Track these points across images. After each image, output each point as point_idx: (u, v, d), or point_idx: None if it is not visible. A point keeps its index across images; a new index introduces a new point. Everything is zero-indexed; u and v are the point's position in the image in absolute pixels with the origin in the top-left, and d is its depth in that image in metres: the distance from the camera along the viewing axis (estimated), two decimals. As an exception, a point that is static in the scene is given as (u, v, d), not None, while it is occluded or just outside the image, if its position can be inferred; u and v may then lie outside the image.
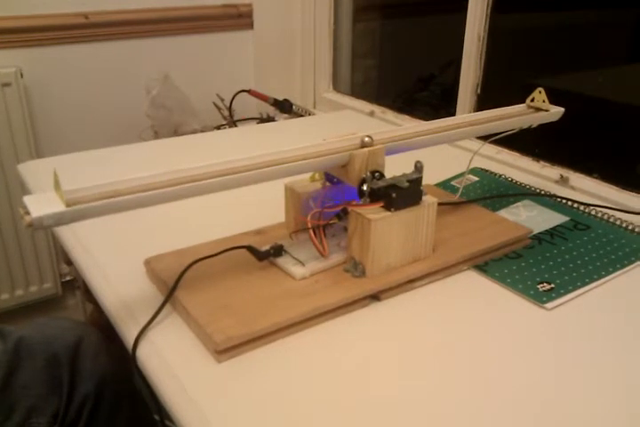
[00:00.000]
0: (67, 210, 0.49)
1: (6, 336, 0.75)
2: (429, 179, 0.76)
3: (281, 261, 0.63)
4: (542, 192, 0.87)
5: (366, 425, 0.46)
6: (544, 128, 0.79)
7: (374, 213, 0.60)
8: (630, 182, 0.91)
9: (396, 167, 0.64)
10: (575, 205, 0.82)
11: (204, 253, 0.63)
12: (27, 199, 0.49)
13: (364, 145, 0.62)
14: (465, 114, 0.77)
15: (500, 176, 0.92)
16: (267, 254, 0.63)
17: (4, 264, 1.47)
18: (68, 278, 1.60)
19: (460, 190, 0.84)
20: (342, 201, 0.65)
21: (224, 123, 1.47)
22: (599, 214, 0.80)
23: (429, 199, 0.63)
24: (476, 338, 0.57)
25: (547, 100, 0.77)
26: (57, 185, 0.49)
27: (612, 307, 0.62)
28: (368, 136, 0.62)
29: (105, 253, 0.71)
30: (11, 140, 1.36)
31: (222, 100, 1.48)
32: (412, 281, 0.64)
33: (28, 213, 0.48)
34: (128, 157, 1.03)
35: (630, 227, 0.76)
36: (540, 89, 0.77)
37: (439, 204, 0.64)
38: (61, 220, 0.49)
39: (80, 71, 1.44)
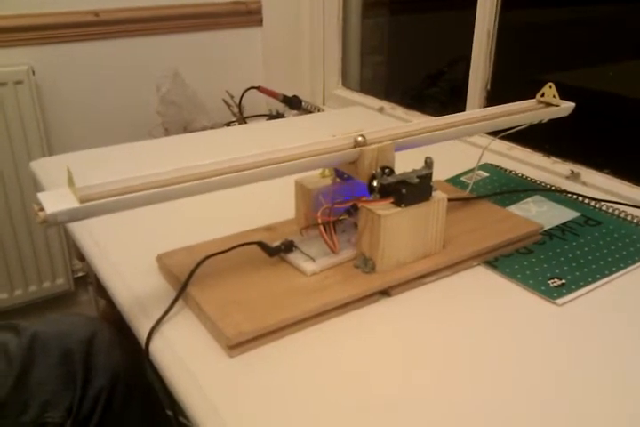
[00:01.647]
0: (80, 206, 0.49)
1: (21, 332, 0.75)
2: (439, 175, 0.76)
3: (291, 256, 0.63)
4: (553, 188, 0.86)
5: (377, 421, 0.47)
6: (555, 124, 0.79)
7: (384, 209, 0.60)
8: (642, 178, 0.91)
9: (405, 163, 0.64)
10: (586, 201, 0.82)
11: (215, 249, 0.64)
12: (41, 196, 0.50)
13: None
14: (474, 109, 0.77)
15: (511, 172, 0.92)
16: (277, 250, 0.63)
17: (17, 260, 1.48)
18: (80, 274, 1.61)
19: (470, 186, 0.84)
20: (352, 197, 0.65)
21: (234, 119, 1.48)
22: (610, 210, 0.79)
23: (439, 195, 0.63)
24: (486, 334, 0.57)
25: (557, 95, 0.77)
26: (70, 181, 0.50)
27: (623, 303, 0.62)
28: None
29: (117, 249, 0.72)
30: (23, 138, 1.38)
31: (232, 96, 1.49)
32: (421, 277, 0.64)
33: (42, 209, 0.48)
34: (139, 153, 1.03)
35: (642, 222, 0.76)
36: (551, 84, 0.77)
37: (449, 199, 0.64)
38: (75, 216, 0.50)
39: (91, 69, 1.45)
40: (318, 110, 1.42)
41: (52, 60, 1.40)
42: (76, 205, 0.49)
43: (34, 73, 1.36)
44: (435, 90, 1.54)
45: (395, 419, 0.47)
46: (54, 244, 1.52)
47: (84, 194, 0.50)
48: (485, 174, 0.92)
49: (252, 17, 1.62)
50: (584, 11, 1.21)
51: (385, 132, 0.65)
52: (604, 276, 0.66)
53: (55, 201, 0.49)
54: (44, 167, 0.97)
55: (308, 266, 0.61)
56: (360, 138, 0.62)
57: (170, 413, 0.55)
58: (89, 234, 0.75)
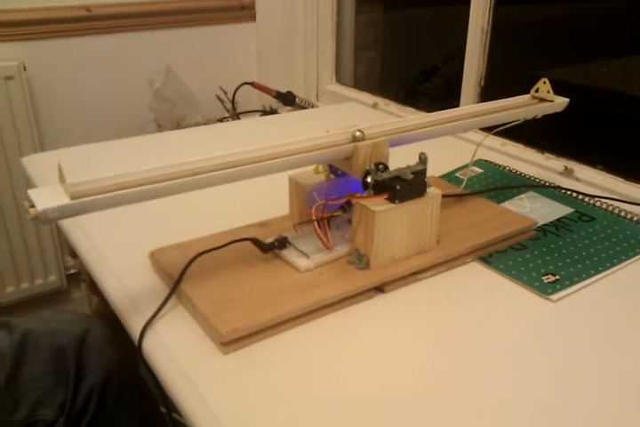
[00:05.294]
0: (71, 203, 0.49)
1: (13, 329, 0.75)
2: (433, 171, 0.76)
3: (285, 253, 0.63)
4: (547, 184, 0.86)
5: (371, 417, 0.47)
6: (549, 120, 0.79)
7: (378, 205, 0.60)
8: (635, 174, 0.91)
9: (400, 159, 0.64)
10: (580, 197, 0.82)
11: (208, 245, 0.63)
12: (31, 192, 0.49)
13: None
14: (468, 105, 0.77)
15: (505, 168, 0.92)
16: (271, 247, 0.63)
17: (8, 257, 1.47)
18: (73, 271, 1.60)
19: (465, 182, 0.83)
20: (346, 193, 0.64)
21: (227, 115, 1.47)
22: (604, 206, 0.79)
23: (433, 191, 0.63)
24: (480, 330, 0.57)
25: (551, 91, 0.77)
26: (62, 178, 0.49)
27: (618, 298, 0.62)
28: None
29: (110, 246, 0.71)
30: (14, 134, 1.37)
31: (225, 92, 1.48)
32: (416, 273, 0.64)
33: (32, 206, 0.48)
34: (131, 149, 1.03)
35: (635, 218, 0.76)
36: (545, 79, 0.77)
37: (443, 195, 0.64)
38: (66, 213, 0.49)
39: (83, 64, 1.44)
40: (312, 106, 1.41)
41: (44, 56, 1.39)
42: (66, 201, 0.49)
43: (25, 69, 1.35)
44: (429, 86, 1.54)
45: (390, 416, 0.47)
46: (46, 240, 1.51)
47: (75, 190, 0.50)
48: (479, 170, 0.92)
49: (245, 12, 1.61)
50: (578, 7, 1.21)
51: (379, 128, 0.64)
52: (597, 272, 0.66)
53: (46, 198, 0.49)
54: (36, 163, 0.96)
55: (302, 262, 0.61)
56: (358, 133, 0.61)
57: (163, 410, 0.55)
58: (81, 230, 0.74)
